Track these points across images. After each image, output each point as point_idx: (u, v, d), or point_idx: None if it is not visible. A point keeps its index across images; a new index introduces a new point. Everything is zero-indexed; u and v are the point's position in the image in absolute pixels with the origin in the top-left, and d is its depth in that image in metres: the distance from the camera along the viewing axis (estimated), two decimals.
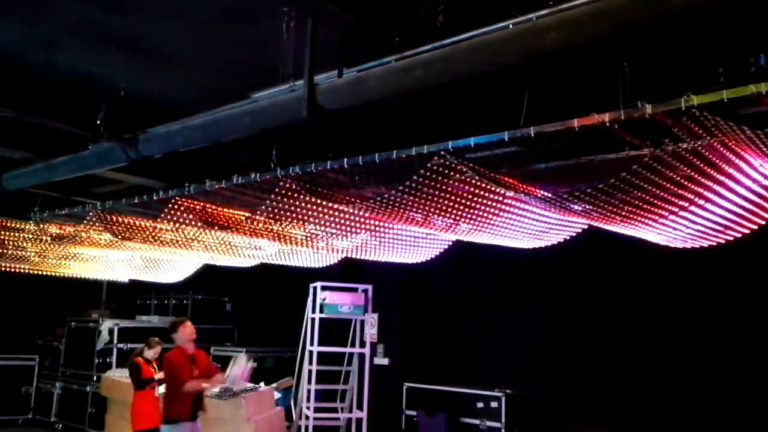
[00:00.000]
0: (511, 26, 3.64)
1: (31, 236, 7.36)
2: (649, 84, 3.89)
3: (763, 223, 4.65)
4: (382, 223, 5.51)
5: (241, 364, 7.12)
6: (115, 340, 10.31)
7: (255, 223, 5.70)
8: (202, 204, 5.56)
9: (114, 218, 6.20)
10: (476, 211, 4.83)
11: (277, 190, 4.86)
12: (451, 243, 6.40)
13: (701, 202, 4.19)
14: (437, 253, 6.71)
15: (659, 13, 2.93)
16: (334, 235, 6.02)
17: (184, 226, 5.88)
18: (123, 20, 4.98)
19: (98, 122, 6.00)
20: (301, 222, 5.52)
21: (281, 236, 6.13)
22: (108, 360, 10.28)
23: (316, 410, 8.65)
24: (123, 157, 5.93)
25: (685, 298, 7.09)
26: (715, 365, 6.77)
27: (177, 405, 5.95)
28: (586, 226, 5.36)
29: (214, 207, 5.63)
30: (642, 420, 7.11)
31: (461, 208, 4.75)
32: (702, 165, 3.69)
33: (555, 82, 4.53)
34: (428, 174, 4.20)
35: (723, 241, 5.00)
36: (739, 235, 4.88)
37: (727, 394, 6.60)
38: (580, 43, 3.22)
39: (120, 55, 5.54)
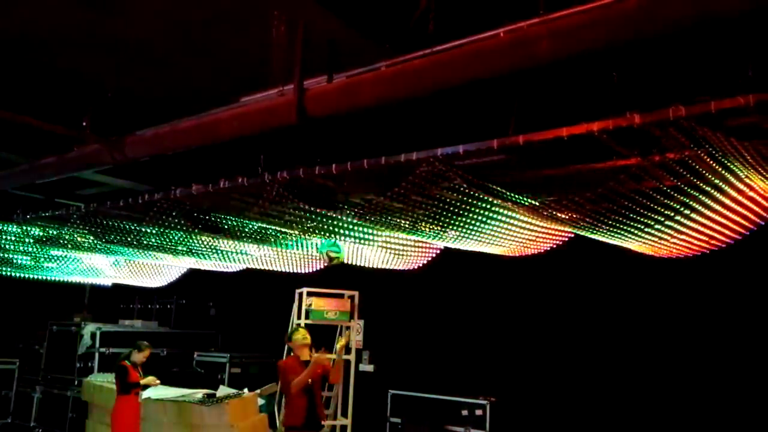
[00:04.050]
0: (502, 34, 3.65)
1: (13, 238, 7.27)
2: (638, 94, 3.91)
3: (748, 232, 4.70)
4: (374, 231, 5.51)
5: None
6: (97, 344, 10.19)
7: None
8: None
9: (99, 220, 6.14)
10: (464, 219, 4.84)
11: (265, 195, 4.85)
12: (439, 250, 6.41)
13: (687, 212, 4.23)
14: (425, 261, 6.71)
15: (651, 24, 2.96)
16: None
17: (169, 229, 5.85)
18: (111, 21, 4.95)
19: (84, 124, 5.93)
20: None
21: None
22: (90, 364, 10.16)
23: None
24: (109, 160, 5.87)
25: (671, 305, 7.13)
26: (704, 369, 6.81)
27: (289, 411, 6.03)
28: (572, 235, 5.38)
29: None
30: (633, 428, 7.13)
31: (449, 215, 4.75)
32: (689, 175, 3.73)
33: (545, 91, 4.55)
34: (417, 181, 4.19)
35: (707, 250, 5.05)
36: (723, 245, 4.94)
37: (719, 399, 6.63)
38: (571, 52, 3.23)
39: (108, 56, 5.50)
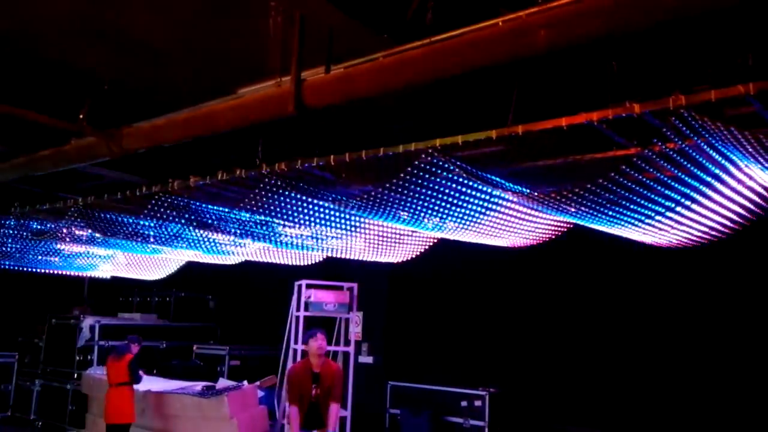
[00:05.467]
0: (500, 23, 3.62)
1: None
2: (637, 83, 3.89)
3: (748, 223, 4.69)
4: (367, 221, 5.49)
5: None
6: (97, 338, 10.19)
7: None
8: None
9: (97, 214, 6.13)
10: (463, 210, 4.82)
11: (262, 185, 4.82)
12: (436, 241, 6.39)
13: (687, 202, 4.22)
14: (421, 251, 6.69)
15: (649, 13, 2.93)
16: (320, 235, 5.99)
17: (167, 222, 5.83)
18: (107, 12, 4.91)
19: (81, 116, 5.90)
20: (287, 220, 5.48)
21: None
22: (89, 357, 10.16)
23: None
24: (106, 152, 5.85)
25: (670, 295, 7.13)
26: (698, 361, 6.82)
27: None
28: (571, 225, 5.37)
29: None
30: (626, 419, 7.15)
31: (448, 206, 4.74)
32: (689, 165, 3.71)
33: (544, 81, 4.53)
34: (415, 172, 4.18)
35: (706, 241, 5.04)
36: (723, 236, 4.93)
37: (714, 392, 6.64)
38: (570, 41, 3.21)
39: (104, 47, 5.46)
